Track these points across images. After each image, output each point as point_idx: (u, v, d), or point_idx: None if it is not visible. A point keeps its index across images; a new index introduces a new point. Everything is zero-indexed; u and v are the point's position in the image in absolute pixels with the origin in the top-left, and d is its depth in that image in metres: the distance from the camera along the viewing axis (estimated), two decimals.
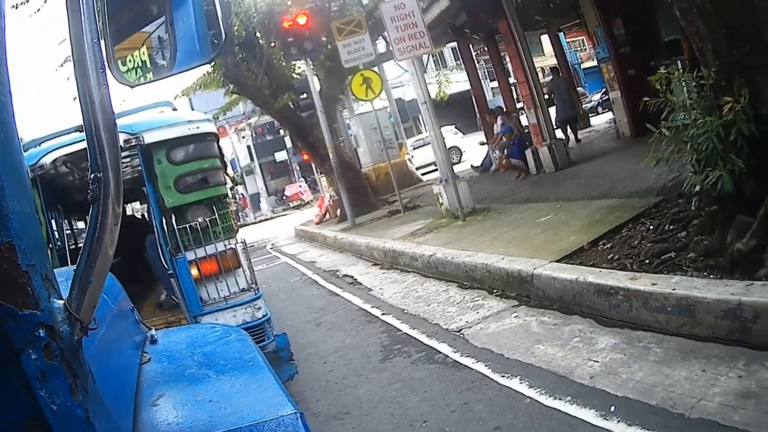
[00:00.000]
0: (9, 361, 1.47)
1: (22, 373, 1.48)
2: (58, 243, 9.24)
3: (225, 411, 2.47)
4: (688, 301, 6.53)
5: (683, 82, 7.88)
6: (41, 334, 1.51)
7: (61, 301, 1.61)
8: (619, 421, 5.38)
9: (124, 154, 8.41)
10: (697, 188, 7.79)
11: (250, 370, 3.07)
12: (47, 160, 7.90)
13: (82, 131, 1.66)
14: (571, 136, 25.33)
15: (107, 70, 2.31)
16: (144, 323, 3.95)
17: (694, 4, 7.38)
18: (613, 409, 5.58)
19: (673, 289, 6.77)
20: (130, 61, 2.60)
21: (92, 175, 1.63)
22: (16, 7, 20.89)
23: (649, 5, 11.87)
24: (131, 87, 2.61)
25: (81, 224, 17.78)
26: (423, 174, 36.43)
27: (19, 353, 1.48)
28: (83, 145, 1.66)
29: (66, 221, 11.23)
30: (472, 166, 28.11)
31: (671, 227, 8.86)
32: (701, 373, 5.71)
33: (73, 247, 12.30)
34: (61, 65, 23.18)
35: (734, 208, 7.26)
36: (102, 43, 1.73)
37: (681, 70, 7.90)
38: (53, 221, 9.14)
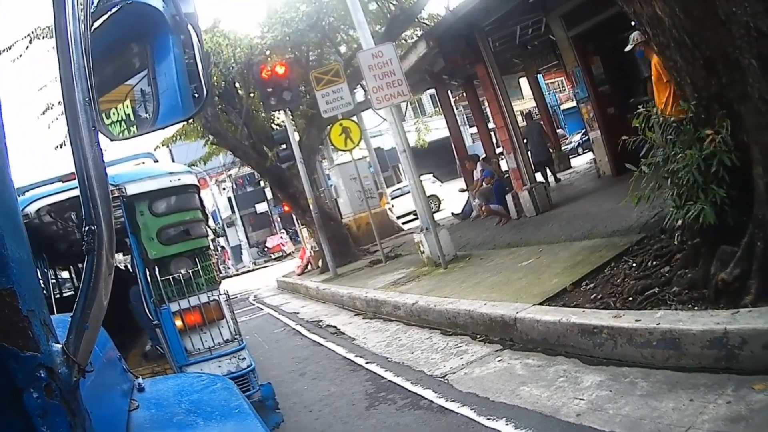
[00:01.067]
0: (12, 399, 1.54)
1: (24, 411, 1.55)
2: (44, 291, 9.20)
3: None
4: (673, 334, 6.57)
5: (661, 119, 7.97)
6: (42, 375, 1.58)
7: (59, 345, 1.68)
8: None
9: None
10: (679, 222, 7.87)
11: (237, 417, 3.08)
12: (32, 209, 7.91)
13: (66, 181, 1.72)
14: (550, 179, 25.50)
15: (96, 124, 2.36)
16: (131, 372, 3.96)
17: (671, 38, 7.46)
18: None
19: (658, 324, 6.81)
20: (114, 113, 2.64)
21: (86, 228, 1.71)
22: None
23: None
24: (114, 140, 2.64)
25: (65, 273, 17.76)
26: (403, 223, 36.54)
27: (22, 392, 1.54)
28: (67, 194, 1.73)
29: (51, 270, 11.21)
30: (452, 213, 28.22)
31: (654, 263, 8.91)
32: (689, 403, 5.73)
33: (59, 296, 12.25)
34: (43, 113, 23.23)
35: (717, 239, 7.32)
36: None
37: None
38: (38, 270, 9.11)
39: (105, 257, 1.71)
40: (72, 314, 1.72)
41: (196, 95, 2.40)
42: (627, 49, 12.92)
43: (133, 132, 2.61)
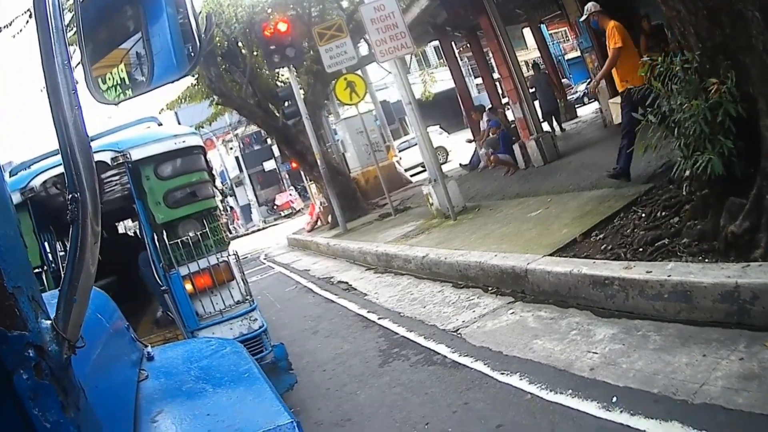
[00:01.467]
0: (1, 382, 1.48)
1: (14, 393, 1.50)
2: (53, 264, 9.20)
3: (223, 424, 2.47)
4: (685, 287, 6.52)
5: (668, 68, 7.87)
6: (31, 354, 1.52)
7: (49, 322, 1.63)
8: (621, 412, 5.35)
9: (112, 172, 8.39)
10: (687, 173, 7.78)
11: (246, 381, 3.06)
12: (37, 182, 7.88)
13: None
14: (556, 128, 25.47)
15: (91, 91, 2.31)
16: (140, 341, 3.93)
17: None
18: (615, 400, 5.56)
19: (669, 276, 6.76)
20: (109, 79, 2.61)
21: (70, 196, 1.65)
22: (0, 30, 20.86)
23: None
24: (110, 105, 2.60)
25: None
26: (411, 175, 36.46)
27: (11, 374, 1.49)
28: None
29: (59, 242, 11.19)
30: (460, 164, 28.14)
31: (663, 214, 8.84)
32: (702, 358, 5.69)
33: None
34: (44, 88, 23.17)
35: (725, 190, 7.24)
36: (80, 65, 1.73)
37: (664, 56, 7.88)
38: (46, 243, 9.09)
39: (90, 225, 1.66)
40: (59, 287, 1.67)
41: (192, 54, 2.35)
42: (581, 19, 12.91)
43: (129, 94, 2.60)
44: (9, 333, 1.49)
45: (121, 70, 2.61)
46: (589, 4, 12.55)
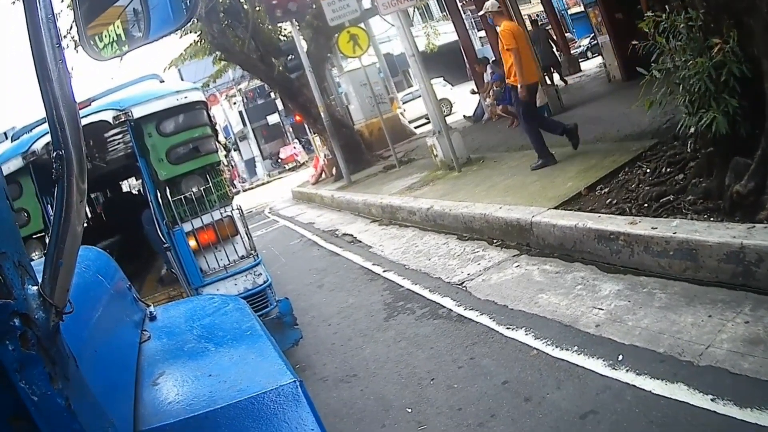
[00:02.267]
0: None
1: (1, 366, 1.44)
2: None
3: (225, 384, 2.45)
4: (690, 245, 6.51)
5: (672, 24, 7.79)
6: (16, 324, 1.47)
7: (36, 288, 1.56)
8: (627, 371, 5.37)
9: (115, 130, 8.37)
10: (692, 130, 7.72)
11: (248, 339, 3.04)
12: (39, 145, 7.84)
13: None
14: (558, 82, 25.48)
15: (86, 49, 2.27)
16: (143, 300, 3.91)
17: None
18: (620, 358, 5.57)
19: (674, 233, 6.74)
20: (105, 36, 2.57)
21: (54, 153, 1.59)
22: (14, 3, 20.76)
23: None
24: (106, 61, 2.56)
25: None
26: (416, 127, 36.36)
27: None
28: None
29: None
30: (464, 116, 28.11)
31: (668, 170, 8.81)
32: (707, 319, 5.68)
33: None
34: None
35: (730, 149, 7.19)
36: (74, 23, 1.68)
37: (669, 13, 7.80)
38: (50, 206, 9.09)
39: (75, 183, 1.60)
40: (45, 251, 1.62)
41: (188, 3, 2.31)
42: (479, 14, 13.35)
43: (124, 49, 2.56)
44: None
45: (117, 27, 2.57)
46: (488, 3, 13.01)
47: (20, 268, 1.54)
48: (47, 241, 8.45)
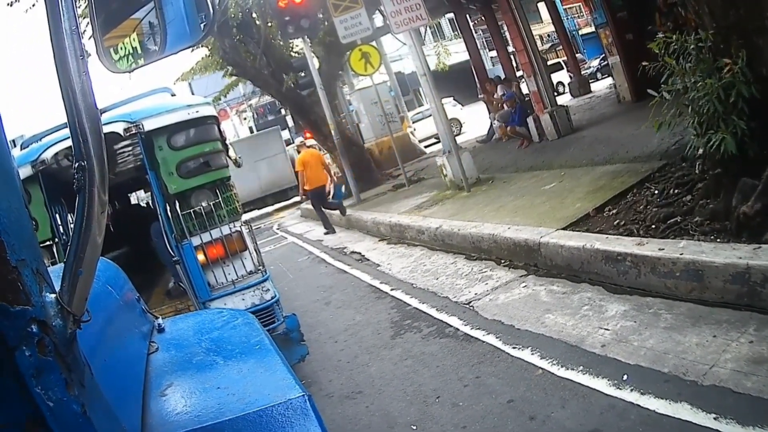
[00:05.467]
0: (3, 359, 1.45)
1: (17, 371, 1.46)
2: (64, 237, 9.20)
3: (233, 397, 2.46)
4: (697, 266, 6.52)
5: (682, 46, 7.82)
6: (34, 330, 1.48)
7: (53, 295, 1.59)
8: (632, 390, 5.38)
9: (125, 143, 8.39)
10: (701, 151, 7.75)
11: (257, 353, 3.06)
12: (48, 154, 7.87)
13: None
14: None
15: (102, 61, 2.30)
16: (151, 312, 3.93)
17: None
18: (625, 378, 5.58)
19: (681, 254, 6.76)
20: (121, 48, 2.59)
21: (77, 164, 1.60)
22: (11, 5, 20.77)
23: None
24: (122, 73, 2.59)
25: None
26: (426, 147, 36.36)
27: (13, 351, 1.46)
28: None
29: (70, 215, 11.23)
30: (477, 141, 28.04)
31: (676, 191, 8.84)
32: (712, 339, 5.70)
33: None
34: None
35: (738, 170, 7.21)
36: (90, 33, 1.70)
37: (679, 34, 7.83)
38: (57, 216, 9.09)
39: (97, 194, 1.62)
40: (65, 259, 1.64)
41: (204, 23, 2.34)
42: None
43: (140, 63, 2.58)
44: (11, 308, 1.45)
45: (134, 40, 2.59)
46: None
47: (38, 276, 1.56)
48: (54, 250, 8.49)
